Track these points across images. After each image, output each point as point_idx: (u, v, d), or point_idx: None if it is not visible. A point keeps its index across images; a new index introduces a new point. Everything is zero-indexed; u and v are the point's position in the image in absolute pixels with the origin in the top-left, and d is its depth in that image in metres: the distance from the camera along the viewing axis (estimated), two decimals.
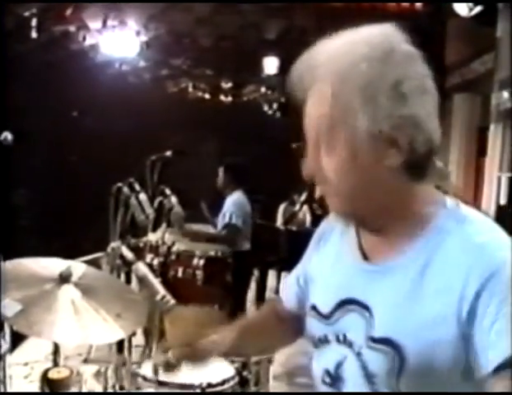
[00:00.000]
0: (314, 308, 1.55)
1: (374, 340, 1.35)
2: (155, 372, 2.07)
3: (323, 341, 1.50)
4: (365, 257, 1.47)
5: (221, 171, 6.30)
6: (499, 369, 1.21)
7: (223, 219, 6.03)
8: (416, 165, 1.35)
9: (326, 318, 1.50)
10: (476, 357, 1.25)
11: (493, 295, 1.23)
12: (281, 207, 9.86)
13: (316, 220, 8.35)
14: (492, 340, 1.22)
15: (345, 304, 1.45)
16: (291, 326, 1.77)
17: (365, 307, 1.40)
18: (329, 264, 1.58)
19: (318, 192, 1.45)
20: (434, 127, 1.36)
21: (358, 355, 1.39)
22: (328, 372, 1.46)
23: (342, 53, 1.34)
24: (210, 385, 2.38)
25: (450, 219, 1.36)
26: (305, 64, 1.39)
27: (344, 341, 1.44)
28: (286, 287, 1.83)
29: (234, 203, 6.05)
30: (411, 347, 1.29)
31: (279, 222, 9.40)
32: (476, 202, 7.02)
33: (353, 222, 1.51)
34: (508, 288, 1.23)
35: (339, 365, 1.43)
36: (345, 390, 1.42)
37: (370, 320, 1.38)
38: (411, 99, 1.31)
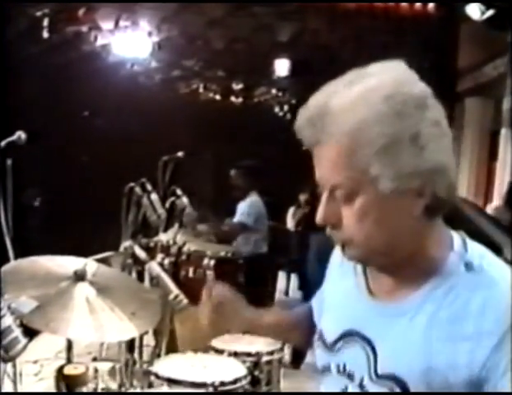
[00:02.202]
0: (320, 335, 1.56)
1: (378, 376, 1.35)
2: None
3: (325, 370, 1.51)
4: (371, 292, 1.45)
5: (233, 174, 6.31)
6: None
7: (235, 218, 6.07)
8: (437, 207, 1.31)
9: (329, 347, 1.50)
10: None
11: (505, 352, 1.21)
12: (291, 210, 9.86)
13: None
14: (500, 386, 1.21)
15: (347, 335, 1.45)
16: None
17: (367, 341, 1.40)
18: (337, 293, 1.58)
19: (336, 239, 1.39)
20: (453, 168, 1.32)
21: (361, 386, 1.38)
22: None
23: (353, 109, 1.25)
24: (222, 384, 2.38)
25: (458, 264, 1.32)
26: (311, 115, 1.29)
27: (344, 371, 1.44)
28: (315, 303, 1.81)
29: (248, 204, 6.08)
30: (414, 386, 1.29)
31: (289, 225, 9.42)
32: (486, 205, 7.01)
33: (370, 266, 1.47)
34: None
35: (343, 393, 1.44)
36: None
37: (373, 355, 1.37)
38: (431, 148, 1.25)
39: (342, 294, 1.55)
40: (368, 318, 1.41)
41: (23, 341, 1.68)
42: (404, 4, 7.81)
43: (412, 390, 1.28)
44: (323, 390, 1.53)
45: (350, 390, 1.41)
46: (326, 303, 1.64)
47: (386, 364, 1.34)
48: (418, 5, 7.83)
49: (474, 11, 6.43)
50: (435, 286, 1.32)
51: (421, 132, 1.24)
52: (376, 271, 1.44)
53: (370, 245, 1.31)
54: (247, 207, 6.08)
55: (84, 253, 2.72)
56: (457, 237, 1.37)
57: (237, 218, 6.08)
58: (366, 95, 1.25)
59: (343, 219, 1.31)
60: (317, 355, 1.56)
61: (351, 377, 1.42)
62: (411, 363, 1.29)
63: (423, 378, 1.27)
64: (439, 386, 1.26)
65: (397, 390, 1.30)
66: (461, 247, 1.35)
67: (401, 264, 1.36)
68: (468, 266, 1.31)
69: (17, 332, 1.69)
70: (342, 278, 1.58)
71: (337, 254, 1.62)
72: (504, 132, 6.76)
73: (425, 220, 1.31)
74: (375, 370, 1.35)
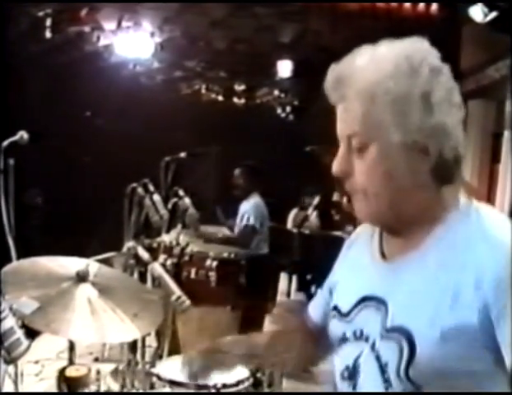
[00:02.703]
0: (335, 308, 1.62)
1: (387, 330, 1.41)
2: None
3: (342, 340, 1.56)
4: (384, 256, 1.54)
5: (236, 173, 6.31)
6: None
7: (241, 221, 6.04)
8: (444, 171, 1.41)
9: (345, 316, 1.56)
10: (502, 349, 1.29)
11: (507, 288, 1.27)
12: (292, 213, 9.84)
13: (326, 224, 8.35)
14: (506, 334, 1.27)
15: (363, 301, 1.52)
16: (319, 343, 1.80)
17: (382, 302, 1.46)
18: (351, 267, 1.66)
19: (346, 192, 1.49)
20: (460, 136, 1.42)
21: (372, 347, 1.44)
22: (347, 367, 1.52)
23: (367, 70, 1.40)
24: (225, 386, 2.38)
25: (462, 217, 1.41)
26: (335, 76, 1.44)
27: (361, 336, 1.50)
28: (315, 302, 1.88)
29: (252, 206, 6.07)
30: (421, 337, 1.34)
31: (289, 227, 9.41)
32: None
33: (378, 225, 1.58)
34: None
35: (357, 360, 1.49)
36: (360, 382, 1.48)
37: (385, 313, 1.44)
38: (439, 109, 1.37)
39: (356, 265, 1.64)
40: (380, 279, 1.51)
41: (25, 342, 1.68)
42: (407, 5, 7.79)
43: (419, 342, 1.34)
44: (338, 362, 1.57)
45: (364, 353, 1.47)
46: (338, 281, 1.70)
47: (395, 317, 1.41)
48: (421, 6, 7.80)
49: (477, 13, 6.41)
50: (437, 238, 1.42)
51: (433, 92, 1.37)
52: (389, 235, 1.54)
53: (379, 198, 1.43)
54: (252, 210, 6.07)
55: (86, 253, 2.71)
56: (464, 199, 1.46)
57: (244, 222, 6.04)
58: (387, 54, 1.41)
59: (356, 169, 1.44)
60: (332, 327, 1.62)
61: (367, 340, 1.48)
62: (418, 312, 1.37)
63: (429, 327, 1.33)
64: (446, 335, 1.31)
65: (404, 343, 1.36)
66: (465, 203, 1.45)
67: (408, 224, 1.47)
68: (471, 218, 1.40)
69: (20, 333, 1.69)
70: (356, 254, 1.67)
71: (347, 242, 1.75)
72: (506, 134, 6.74)
73: (433, 183, 1.42)
74: (385, 325, 1.42)
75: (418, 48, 1.43)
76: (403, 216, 1.46)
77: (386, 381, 1.39)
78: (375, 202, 1.44)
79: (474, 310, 1.29)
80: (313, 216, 8.76)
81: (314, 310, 1.86)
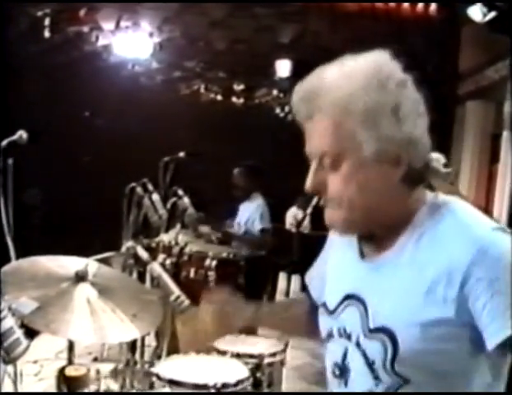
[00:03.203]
0: (324, 304, 1.66)
1: (370, 330, 1.45)
2: None
3: (329, 336, 1.60)
4: (363, 255, 1.57)
5: (236, 173, 6.28)
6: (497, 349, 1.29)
7: (252, 224, 5.99)
8: (414, 177, 1.45)
9: (331, 313, 1.60)
10: (482, 333, 1.31)
11: (481, 277, 1.30)
12: (289, 212, 9.84)
13: (322, 224, 8.32)
14: (485, 322, 1.30)
15: (345, 299, 1.56)
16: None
17: (361, 300, 1.50)
18: (336, 265, 1.69)
19: (323, 203, 1.51)
20: (427, 143, 1.46)
21: (357, 345, 1.48)
22: (336, 364, 1.56)
23: (340, 83, 1.41)
24: (224, 385, 2.37)
25: (430, 211, 1.46)
26: (305, 92, 1.45)
27: (344, 333, 1.53)
28: (311, 281, 1.89)
29: (258, 208, 6.02)
30: (403, 333, 1.38)
31: (287, 226, 9.41)
32: (488, 207, 7.00)
33: (350, 233, 1.60)
34: (498, 267, 1.30)
35: (344, 357, 1.53)
36: (350, 380, 1.52)
37: (365, 312, 1.47)
38: (408, 121, 1.41)
39: (340, 263, 1.67)
40: (360, 278, 1.54)
41: (25, 342, 1.67)
42: (406, 6, 7.80)
43: (402, 339, 1.38)
44: (328, 356, 1.62)
45: (349, 351, 1.51)
46: (327, 274, 1.73)
47: (376, 318, 1.45)
48: (420, 7, 7.81)
49: (476, 14, 6.41)
50: (408, 236, 1.45)
51: (401, 106, 1.40)
52: (366, 238, 1.57)
53: (353, 209, 1.45)
54: (261, 212, 6.01)
55: (85, 253, 2.70)
56: (429, 193, 1.51)
57: (260, 225, 5.98)
58: (354, 72, 1.42)
59: (329, 185, 1.46)
60: (321, 322, 1.66)
61: (349, 338, 1.52)
62: (397, 311, 1.41)
63: (409, 325, 1.37)
64: (426, 331, 1.35)
65: (388, 342, 1.40)
66: (432, 199, 1.49)
67: (381, 227, 1.50)
68: (438, 213, 1.45)
69: (19, 333, 1.68)
70: (340, 248, 1.69)
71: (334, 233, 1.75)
72: (505, 134, 6.75)
73: (404, 188, 1.45)
74: (368, 326, 1.46)
75: (384, 62, 1.45)
76: (376, 222, 1.49)
77: (376, 377, 1.43)
78: (349, 213, 1.46)
79: (450, 303, 1.33)
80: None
81: (314, 287, 1.85)
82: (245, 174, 6.22)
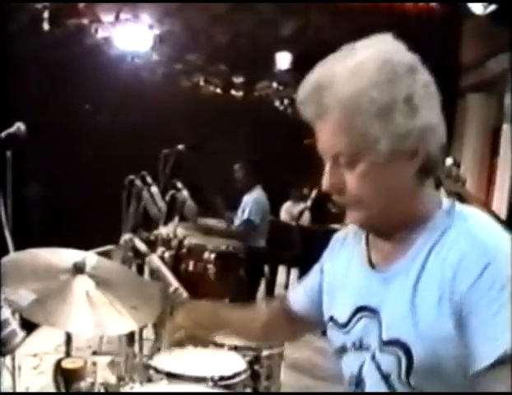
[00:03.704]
0: (331, 319, 1.62)
1: (384, 342, 1.41)
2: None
3: (342, 350, 1.56)
4: (372, 265, 1.53)
5: (237, 167, 6.30)
6: (496, 363, 1.23)
7: (242, 215, 6.04)
8: (430, 167, 1.41)
9: (343, 326, 1.56)
10: (472, 351, 1.27)
11: (488, 287, 1.26)
12: (285, 206, 9.83)
13: (321, 217, 8.32)
14: (490, 333, 1.25)
15: (358, 311, 1.52)
16: (294, 325, 1.88)
17: (374, 311, 1.46)
18: (343, 276, 1.64)
19: (337, 203, 1.46)
20: (443, 128, 1.42)
21: (373, 357, 1.44)
22: (353, 376, 1.53)
23: (349, 80, 1.34)
24: (222, 378, 2.37)
25: (445, 218, 1.40)
26: (311, 90, 1.40)
27: (360, 346, 1.50)
28: (297, 291, 1.89)
29: (254, 201, 6.07)
30: (417, 346, 1.34)
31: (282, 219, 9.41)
32: (488, 201, 7.00)
33: (369, 230, 1.56)
34: (505, 278, 1.25)
35: (361, 369, 1.49)
36: (366, 390, 1.48)
37: (379, 324, 1.44)
38: (423, 108, 1.35)
39: (346, 274, 1.62)
40: (371, 289, 1.49)
41: (21, 334, 1.67)
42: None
43: (416, 352, 1.34)
44: (344, 368, 1.58)
45: (366, 363, 1.47)
46: (330, 289, 1.69)
47: (389, 330, 1.41)
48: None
49: (477, 7, 6.41)
50: (422, 244, 1.40)
51: (414, 93, 1.35)
52: (376, 239, 1.53)
53: (371, 206, 1.41)
54: (254, 205, 6.06)
55: (85, 246, 2.69)
56: (446, 199, 1.46)
57: (246, 216, 6.04)
58: (362, 66, 1.35)
59: (347, 184, 1.41)
60: (331, 338, 1.62)
61: (368, 350, 1.48)
62: (408, 323, 1.36)
63: (422, 339, 1.33)
64: (439, 342, 1.31)
65: (402, 355, 1.36)
66: (449, 205, 1.44)
67: (397, 225, 1.45)
68: (454, 222, 1.39)
69: (15, 324, 1.68)
70: (347, 261, 1.64)
71: (337, 237, 1.73)
72: (505, 127, 6.74)
73: (417, 181, 1.41)
74: (381, 338, 1.42)
75: (391, 49, 1.39)
76: (394, 219, 1.45)
77: (390, 388, 1.40)
78: (368, 210, 1.42)
79: (451, 317, 1.29)
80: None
81: (297, 301, 1.86)
82: (246, 168, 6.24)
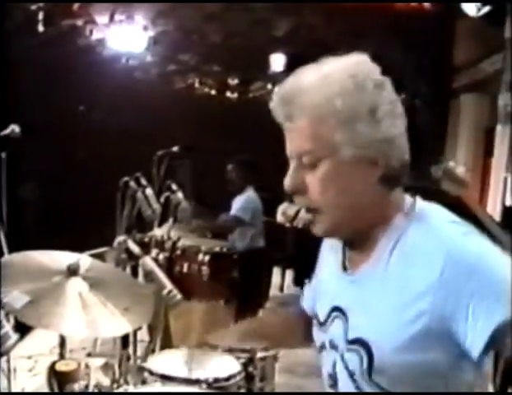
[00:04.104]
0: (316, 316, 1.69)
1: (348, 341, 1.48)
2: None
3: (322, 347, 1.63)
4: (345, 268, 1.60)
5: (229, 168, 6.30)
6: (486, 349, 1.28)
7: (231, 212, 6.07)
8: (392, 178, 1.46)
9: (322, 325, 1.63)
10: (465, 345, 1.31)
11: (454, 284, 1.30)
12: (281, 207, 9.81)
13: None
14: (465, 330, 1.29)
15: (332, 311, 1.58)
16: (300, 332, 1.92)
17: (343, 312, 1.53)
18: (325, 276, 1.73)
19: (302, 207, 1.56)
20: (405, 144, 1.47)
21: (341, 357, 1.51)
22: (329, 374, 1.59)
23: (315, 90, 1.42)
24: (216, 380, 2.37)
25: (404, 219, 1.46)
26: (283, 94, 1.47)
27: (332, 346, 1.56)
28: (305, 296, 1.95)
29: (244, 200, 6.08)
30: (376, 345, 1.40)
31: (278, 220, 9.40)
32: (482, 202, 7.01)
33: (334, 238, 1.63)
34: (470, 272, 1.30)
35: (334, 368, 1.55)
36: (339, 390, 1.55)
37: (346, 324, 1.51)
38: (385, 122, 1.42)
39: (328, 274, 1.70)
40: (342, 291, 1.57)
41: (14, 336, 1.67)
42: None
43: (376, 350, 1.40)
44: (323, 367, 1.64)
45: (337, 362, 1.53)
46: (318, 287, 1.77)
47: (354, 330, 1.48)
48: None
49: (470, 8, 6.42)
50: (383, 246, 1.47)
51: (379, 107, 1.41)
52: (348, 247, 1.59)
53: (333, 212, 1.47)
54: (244, 202, 6.08)
55: (79, 247, 2.69)
56: (408, 199, 1.52)
57: (233, 213, 6.08)
58: (331, 75, 1.43)
59: (308, 186, 1.47)
60: (314, 334, 1.69)
61: (336, 349, 1.54)
62: (371, 322, 1.43)
63: (386, 338, 1.38)
64: (404, 344, 1.36)
65: (363, 353, 1.42)
66: (410, 206, 1.49)
67: (360, 231, 1.51)
68: (414, 222, 1.45)
69: (8, 327, 1.68)
70: (329, 262, 1.71)
71: (326, 242, 1.79)
72: (499, 128, 6.74)
73: (382, 189, 1.46)
74: (347, 338, 1.49)
75: (361, 65, 1.46)
76: (357, 225, 1.50)
77: (357, 387, 1.46)
78: (330, 217, 1.48)
79: (425, 315, 1.33)
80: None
81: (308, 306, 1.90)
82: (239, 169, 6.24)
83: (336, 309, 1.56)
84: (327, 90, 1.41)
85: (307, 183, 1.48)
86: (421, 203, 1.51)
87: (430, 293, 1.33)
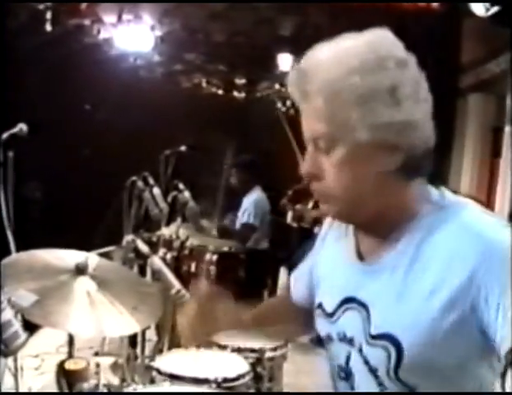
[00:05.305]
0: (320, 306, 1.62)
1: (372, 337, 1.40)
2: None
3: (329, 339, 1.57)
4: (361, 257, 1.52)
5: (234, 172, 6.31)
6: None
7: (242, 217, 6.05)
8: (414, 166, 1.37)
9: (330, 316, 1.56)
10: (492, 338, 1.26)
11: (490, 279, 1.25)
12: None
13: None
14: (496, 325, 1.24)
15: (345, 302, 1.51)
16: (300, 319, 1.86)
17: (363, 305, 1.45)
18: (331, 264, 1.64)
19: (317, 193, 1.46)
20: (429, 129, 1.38)
21: (360, 351, 1.44)
22: (340, 367, 1.53)
23: (332, 67, 1.34)
24: (225, 380, 2.36)
25: (434, 212, 1.39)
26: (298, 73, 1.40)
27: (344, 338, 1.49)
28: (295, 282, 1.91)
29: (253, 202, 6.09)
30: (407, 340, 1.33)
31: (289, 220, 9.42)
32: (489, 202, 6.99)
33: (346, 222, 1.56)
34: (503, 264, 1.24)
35: (347, 361, 1.49)
36: (356, 384, 1.48)
37: (368, 318, 1.43)
38: (407, 103, 1.33)
39: (335, 263, 1.61)
40: (359, 281, 1.48)
41: (23, 335, 1.66)
42: None
43: (407, 346, 1.33)
44: (330, 357, 1.59)
45: (352, 355, 1.47)
46: (320, 277, 1.68)
47: (378, 324, 1.40)
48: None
49: (479, 8, 6.39)
50: (410, 237, 1.39)
51: (399, 86, 1.32)
52: (362, 232, 1.52)
53: (348, 198, 1.39)
54: (253, 207, 6.07)
55: (85, 246, 2.69)
56: (435, 191, 1.44)
57: (245, 219, 6.05)
58: (351, 48, 1.35)
59: (325, 172, 1.39)
60: (318, 325, 1.63)
61: (351, 342, 1.47)
62: (401, 317, 1.35)
63: (413, 333, 1.32)
64: (434, 336, 1.30)
65: (392, 349, 1.34)
66: (438, 197, 1.42)
67: (380, 220, 1.43)
68: (444, 214, 1.37)
69: (17, 326, 1.67)
70: (333, 246, 1.65)
71: (327, 223, 1.73)
72: (507, 128, 6.72)
73: (403, 178, 1.38)
74: (369, 332, 1.41)
75: (383, 40, 1.38)
76: (374, 213, 1.43)
77: (380, 384, 1.40)
78: (345, 203, 1.40)
79: (455, 308, 1.28)
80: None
81: (298, 293, 1.87)
82: (242, 171, 6.25)
83: (349, 300, 1.49)
84: (344, 66, 1.32)
85: (323, 168, 1.39)
86: (449, 195, 1.43)
87: (463, 285, 1.27)
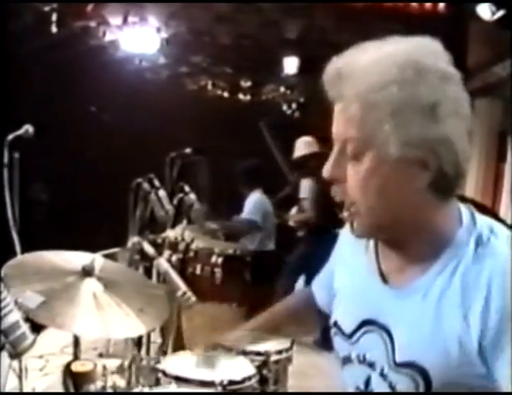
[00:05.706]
0: (335, 324, 1.57)
1: (397, 364, 1.34)
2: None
3: (347, 360, 1.52)
4: (384, 278, 1.46)
5: (238, 173, 6.37)
6: None
7: (242, 215, 6.12)
8: (444, 186, 1.32)
9: (348, 337, 1.51)
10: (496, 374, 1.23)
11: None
12: (293, 211, 9.80)
13: (328, 222, 8.24)
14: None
15: (365, 324, 1.46)
16: (316, 320, 1.90)
17: (384, 328, 1.40)
18: (348, 281, 1.59)
19: (339, 199, 1.40)
20: (465, 150, 1.32)
21: (383, 376, 1.38)
22: (358, 388, 1.48)
23: (370, 74, 1.29)
24: (231, 383, 2.35)
25: (468, 238, 1.32)
26: (334, 74, 1.34)
27: (364, 361, 1.45)
28: (318, 291, 1.88)
29: (252, 202, 6.13)
30: (435, 370, 1.28)
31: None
32: (494, 207, 6.97)
33: (374, 238, 1.49)
34: None
35: (367, 383, 1.44)
36: None
37: (390, 343, 1.38)
38: (446, 121, 1.27)
39: (353, 280, 1.56)
40: (382, 304, 1.42)
41: (30, 337, 1.66)
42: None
43: (435, 376, 1.28)
44: (347, 378, 1.53)
45: (373, 379, 1.42)
46: (339, 290, 1.64)
47: (403, 351, 1.34)
48: (428, 3, 7.79)
49: (485, 12, 6.38)
50: (444, 263, 1.32)
51: (441, 104, 1.26)
52: (386, 249, 1.45)
53: (372, 214, 1.33)
54: (252, 206, 6.13)
55: (91, 248, 2.69)
56: (465, 211, 1.38)
57: (244, 216, 6.13)
58: (393, 55, 1.28)
59: (348, 178, 1.33)
60: (336, 344, 1.58)
61: (372, 366, 1.42)
62: (427, 346, 1.30)
63: (441, 363, 1.28)
64: (459, 367, 1.26)
65: (419, 379, 1.29)
66: (470, 221, 1.35)
67: (407, 239, 1.37)
68: (478, 240, 1.31)
69: (25, 327, 1.67)
70: (352, 261, 1.58)
71: (346, 235, 1.62)
72: None
73: (432, 197, 1.32)
74: (394, 359, 1.35)
75: (428, 50, 1.32)
76: (401, 232, 1.37)
77: None
78: (367, 217, 1.34)
79: (482, 338, 1.23)
80: None
81: (322, 299, 1.85)
82: (247, 174, 6.30)
83: (370, 322, 1.44)
84: (383, 74, 1.27)
85: (347, 174, 1.34)
86: (478, 216, 1.38)
87: (483, 320, 1.23)
